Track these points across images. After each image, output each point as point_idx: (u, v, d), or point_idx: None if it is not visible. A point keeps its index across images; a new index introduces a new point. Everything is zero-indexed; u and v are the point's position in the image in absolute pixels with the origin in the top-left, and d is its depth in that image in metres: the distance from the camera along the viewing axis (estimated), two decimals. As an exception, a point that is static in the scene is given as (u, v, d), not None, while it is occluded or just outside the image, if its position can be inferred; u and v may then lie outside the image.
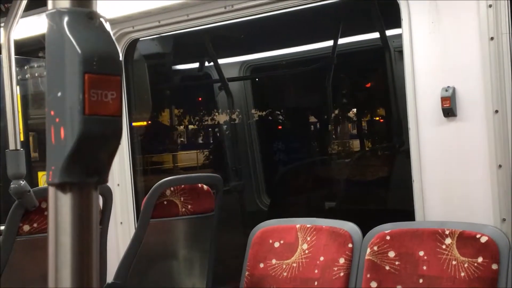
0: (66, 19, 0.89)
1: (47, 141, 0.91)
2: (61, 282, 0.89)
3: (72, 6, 0.90)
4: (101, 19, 0.92)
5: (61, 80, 0.89)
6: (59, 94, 0.89)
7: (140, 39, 4.55)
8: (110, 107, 0.89)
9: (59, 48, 0.89)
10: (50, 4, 0.92)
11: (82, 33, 0.89)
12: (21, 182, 2.91)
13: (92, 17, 0.91)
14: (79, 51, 0.87)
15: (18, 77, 4.62)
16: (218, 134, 7.90)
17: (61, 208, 0.89)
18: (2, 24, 2.96)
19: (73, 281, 0.89)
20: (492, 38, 2.97)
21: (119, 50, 0.92)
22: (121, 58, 0.92)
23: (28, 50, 4.58)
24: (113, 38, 0.92)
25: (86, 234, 0.90)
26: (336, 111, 7.52)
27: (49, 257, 0.90)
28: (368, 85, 7.07)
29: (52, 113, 0.90)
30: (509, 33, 3.00)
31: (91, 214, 0.91)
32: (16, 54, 3.01)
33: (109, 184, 3.68)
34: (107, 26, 0.92)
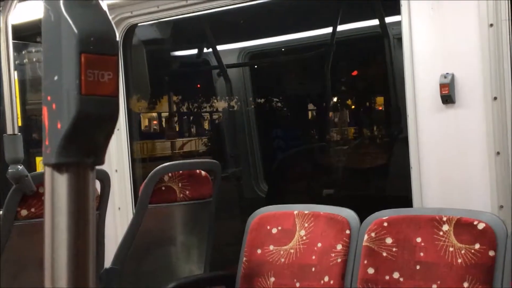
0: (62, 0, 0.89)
1: (43, 124, 0.91)
2: (57, 263, 0.89)
3: None
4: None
5: (57, 62, 0.89)
6: (56, 78, 0.89)
7: (139, 24, 4.53)
8: (107, 87, 0.89)
9: (56, 30, 0.89)
10: None
11: (78, 13, 0.88)
12: (19, 166, 2.91)
13: None
14: (76, 31, 0.87)
15: (16, 62, 4.61)
16: (216, 121, 7.88)
17: (57, 188, 0.89)
18: (0, 9, 2.95)
19: (69, 261, 0.89)
20: (491, 25, 2.97)
21: (116, 30, 0.91)
22: (117, 38, 0.91)
23: (26, 35, 4.56)
24: (110, 18, 0.91)
25: (82, 214, 0.90)
26: (335, 99, 7.51)
27: (45, 238, 0.90)
28: (367, 72, 7.06)
29: (49, 98, 0.90)
30: (509, 20, 2.99)
31: (87, 195, 0.90)
32: (13, 39, 2.99)
33: (107, 169, 3.68)
34: (104, 6, 0.92)
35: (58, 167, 0.89)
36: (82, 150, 0.89)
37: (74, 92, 0.86)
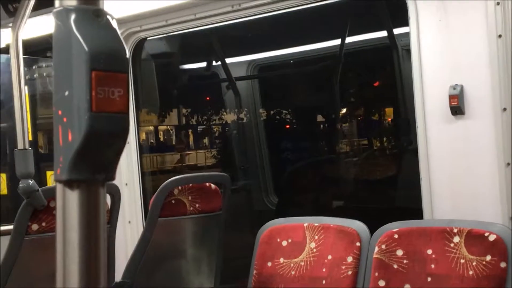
0: (73, 17, 0.90)
1: (55, 140, 0.92)
2: (69, 279, 0.90)
3: (79, 4, 0.91)
4: (108, 17, 0.92)
5: (68, 78, 0.90)
6: (67, 93, 0.90)
7: (148, 38, 4.56)
8: (117, 104, 0.90)
9: (66, 46, 0.90)
10: (57, 3, 0.93)
11: (89, 31, 0.89)
12: (30, 181, 2.92)
13: (99, 15, 0.91)
14: (86, 48, 0.88)
15: (27, 77, 4.64)
16: (226, 134, 7.89)
17: (68, 205, 0.90)
18: (10, 24, 2.98)
19: (80, 277, 0.89)
20: (500, 36, 2.96)
21: (126, 48, 0.92)
22: (127, 55, 0.92)
23: (36, 50, 4.59)
24: (120, 35, 0.92)
25: (93, 231, 0.90)
26: (344, 110, 7.51)
27: (57, 254, 0.91)
28: (376, 83, 7.06)
29: (60, 112, 0.91)
30: (517, 30, 2.98)
31: (98, 211, 0.91)
32: (24, 54, 3.02)
33: (117, 183, 3.69)
34: (114, 24, 0.93)
35: (69, 184, 0.90)
36: (93, 167, 0.90)
37: (85, 109, 0.87)
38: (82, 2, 0.91)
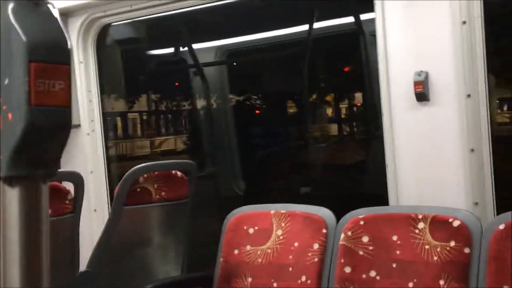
0: (11, 5, 0.86)
1: None
2: (10, 279, 0.86)
3: None
4: (49, 5, 0.88)
5: (8, 67, 0.86)
6: (6, 81, 0.86)
7: (113, 24, 4.48)
8: (58, 97, 0.86)
9: (5, 36, 0.86)
10: None
11: (27, 20, 0.85)
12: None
13: (38, 4, 0.87)
14: (24, 39, 0.84)
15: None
16: (195, 120, 7.83)
17: (8, 202, 0.86)
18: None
19: (22, 278, 0.86)
20: (464, 22, 2.97)
21: (68, 37, 0.88)
22: (69, 46, 0.88)
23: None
24: (61, 25, 0.88)
25: (34, 228, 0.87)
26: (314, 96, 7.50)
27: (-3, 253, 0.87)
28: (346, 69, 7.06)
29: (0, 100, 0.87)
30: (482, 17, 2.99)
31: (40, 208, 0.88)
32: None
33: (82, 171, 3.65)
34: (55, 13, 0.89)
35: (8, 181, 0.86)
36: (33, 163, 0.86)
37: (23, 102, 0.84)
38: None
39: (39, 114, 0.84)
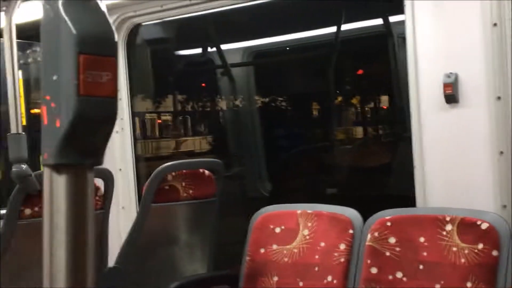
0: (61, 0, 0.89)
1: (42, 125, 0.91)
2: (55, 263, 0.89)
3: None
4: (97, 0, 0.91)
5: (56, 62, 0.89)
6: (55, 77, 0.89)
7: (143, 24, 4.53)
8: (105, 88, 0.89)
9: (54, 30, 0.89)
10: None
11: (77, 14, 0.88)
12: (23, 166, 2.91)
13: None
14: (74, 31, 0.87)
15: (21, 62, 4.62)
16: (221, 121, 7.87)
17: (56, 189, 0.90)
18: (4, 8, 2.95)
19: (67, 261, 0.89)
20: (495, 24, 2.96)
21: (115, 31, 0.91)
22: (116, 39, 0.91)
23: (31, 34, 4.56)
24: (109, 18, 0.92)
25: (81, 215, 0.90)
26: (340, 98, 7.50)
27: (44, 238, 0.90)
28: (372, 71, 7.04)
29: (48, 97, 0.90)
30: (513, 19, 2.98)
31: (86, 195, 0.91)
32: (18, 38, 3.00)
33: (111, 168, 3.68)
34: (103, 7, 0.92)
35: (56, 168, 0.89)
36: (81, 151, 0.90)
37: (72, 93, 0.87)
38: None
39: (88, 104, 0.87)
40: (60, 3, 0.89)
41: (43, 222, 0.91)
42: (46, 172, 0.91)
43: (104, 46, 0.89)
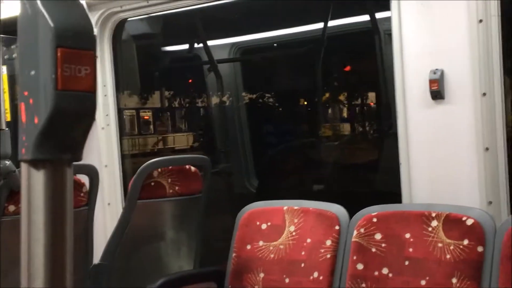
0: None
1: (19, 120, 0.90)
2: (33, 262, 0.88)
3: None
4: (74, -7, 0.90)
5: (34, 58, 0.88)
6: (32, 72, 0.88)
7: (129, 19, 4.50)
8: (84, 82, 0.88)
9: (32, 24, 0.88)
10: None
11: (55, 7, 0.87)
12: (6, 162, 2.89)
13: None
14: (52, 25, 0.85)
15: (5, 57, 4.58)
16: (208, 117, 7.85)
17: (34, 185, 0.88)
18: (-13, 3, 2.92)
19: (46, 260, 0.87)
20: (481, 21, 2.96)
21: (94, 25, 0.90)
22: (95, 32, 0.90)
23: (15, 29, 4.52)
24: (87, 12, 0.90)
25: (59, 211, 0.88)
26: (327, 94, 7.50)
27: (22, 235, 0.89)
28: (359, 67, 7.05)
29: (26, 93, 0.89)
30: (498, 15, 2.98)
31: (64, 192, 0.89)
32: (2, 33, 2.97)
33: (97, 165, 3.67)
34: (81, 0, 0.90)
35: (34, 164, 0.88)
36: (59, 146, 0.88)
37: (50, 87, 0.85)
38: None
39: (66, 98, 0.86)
40: (37, -4, 0.87)
41: (21, 219, 0.90)
42: (23, 168, 0.89)
43: (82, 40, 0.88)
